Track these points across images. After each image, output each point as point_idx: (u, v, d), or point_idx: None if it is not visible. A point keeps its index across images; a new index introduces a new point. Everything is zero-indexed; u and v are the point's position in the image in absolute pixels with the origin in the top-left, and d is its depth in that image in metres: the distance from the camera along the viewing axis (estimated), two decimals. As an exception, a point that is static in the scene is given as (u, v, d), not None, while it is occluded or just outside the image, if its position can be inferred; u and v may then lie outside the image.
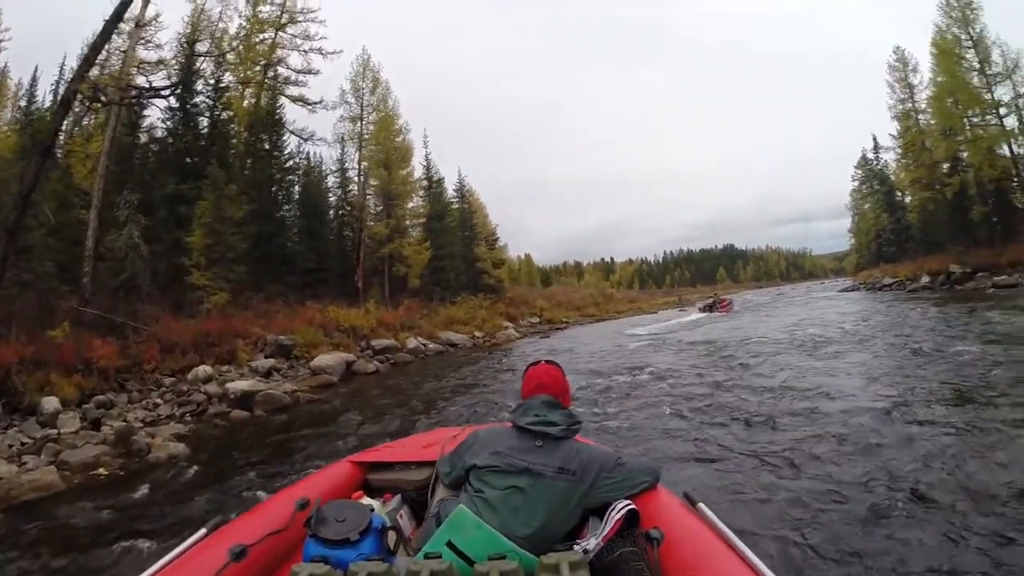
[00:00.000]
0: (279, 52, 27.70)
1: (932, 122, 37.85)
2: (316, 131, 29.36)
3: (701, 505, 2.14)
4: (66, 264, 16.39)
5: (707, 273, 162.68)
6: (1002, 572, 2.97)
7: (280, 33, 27.65)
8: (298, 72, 28.16)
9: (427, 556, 1.65)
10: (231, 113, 25.30)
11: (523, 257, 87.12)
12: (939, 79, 35.01)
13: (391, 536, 2.05)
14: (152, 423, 10.08)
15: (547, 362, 2.52)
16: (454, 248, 35.30)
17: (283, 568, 2.10)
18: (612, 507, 2.02)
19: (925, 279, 32.25)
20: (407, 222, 33.23)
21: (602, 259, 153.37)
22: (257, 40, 27.24)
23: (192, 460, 7.34)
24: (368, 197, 31.86)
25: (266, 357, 15.87)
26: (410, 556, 2.03)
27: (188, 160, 22.29)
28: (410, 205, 34.12)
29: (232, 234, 19.71)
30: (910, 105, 40.19)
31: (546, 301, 42.73)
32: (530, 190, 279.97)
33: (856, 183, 58.28)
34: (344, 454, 3.20)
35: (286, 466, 6.58)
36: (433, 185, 36.60)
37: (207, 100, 24.50)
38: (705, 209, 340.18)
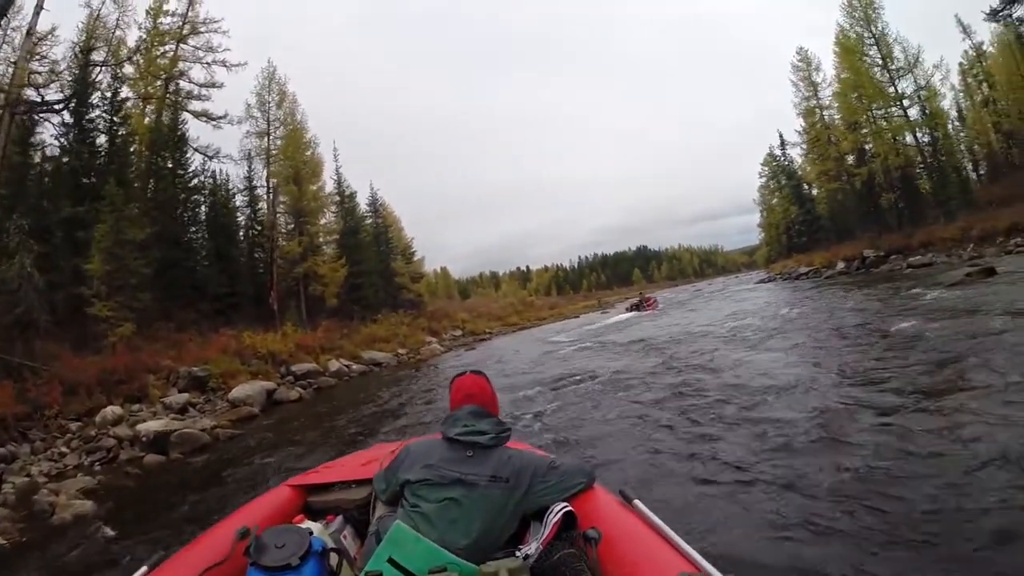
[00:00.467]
0: (181, 65, 26.75)
1: (837, 117, 40.18)
2: (222, 148, 28.63)
3: (637, 502, 2.20)
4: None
5: (623, 275, 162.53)
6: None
7: (182, 45, 26.66)
8: (201, 86, 27.55)
9: (368, 575, 1.69)
10: (130, 128, 24.11)
11: (439, 271, 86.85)
12: (843, 75, 37.55)
13: (333, 557, 2.05)
14: (58, 476, 9.29)
15: (473, 372, 2.57)
16: (371, 264, 34.70)
17: None
18: (550, 511, 2.07)
19: (841, 265, 33.20)
20: (320, 239, 32.35)
21: (517, 268, 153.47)
22: (158, 53, 26.16)
23: (102, 518, 6.62)
24: (279, 215, 30.89)
25: (180, 392, 15.09)
26: (357, 575, 1.99)
27: (84, 180, 20.97)
28: (323, 221, 33.30)
29: (135, 259, 18.57)
30: (814, 102, 42.34)
31: (467, 313, 42.49)
32: (441, 204, 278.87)
33: (764, 179, 61.33)
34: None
35: (208, 515, 5.92)
36: (345, 200, 35.82)
37: (104, 115, 23.16)
38: (614, 213, 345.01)
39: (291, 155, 30.17)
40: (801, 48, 42.63)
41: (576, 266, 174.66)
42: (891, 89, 35.46)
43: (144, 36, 25.67)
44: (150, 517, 6.51)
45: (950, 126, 37.94)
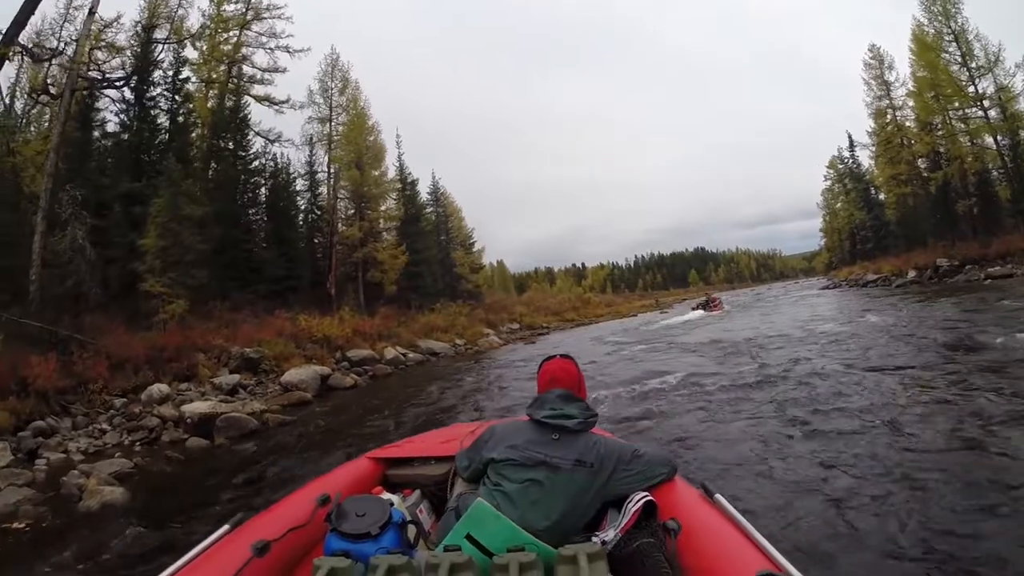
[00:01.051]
0: (244, 50, 26.35)
1: (911, 118, 38.67)
2: (283, 133, 28.14)
3: (718, 496, 2.14)
4: (12, 272, 14.88)
5: (679, 276, 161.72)
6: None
7: (245, 31, 26.25)
8: (264, 70, 27.06)
9: (446, 549, 1.68)
10: (191, 109, 23.72)
11: (496, 264, 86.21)
12: (919, 74, 35.55)
13: (411, 530, 2.07)
14: (95, 455, 8.61)
15: (561, 356, 2.52)
16: (430, 253, 34.14)
17: (305, 562, 2.13)
18: (630, 499, 2.06)
19: (912, 274, 31.78)
20: (381, 225, 31.63)
21: (572, 264, 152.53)
22: (221, 39, 25.82)
23: (129, 512, 5.76)
24: (339, 199, 30.32)
25: (231, 372, 14.40)
26: (430, 550, 2.05)
27: (144, 157, 20.63)
28: (383, 207, 32.49)
29: (191, 235, 17.96)
30: (886, 102, 40.88)
31: (525, 307, 41.36)
32: (496, 198, 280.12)
33: (828, 182, 60.87)
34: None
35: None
36: (407, 187, 35.05)
37: (165, 93, 22.81)
38: (671, 214, 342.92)
39: (353, 139, 29.56)
40: (873, 45, 41.31)
41: (632, 265, 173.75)
42: (970, 89, 33.29)
43: (208, 22, 25.27)
44: (182, 511, 5.62)
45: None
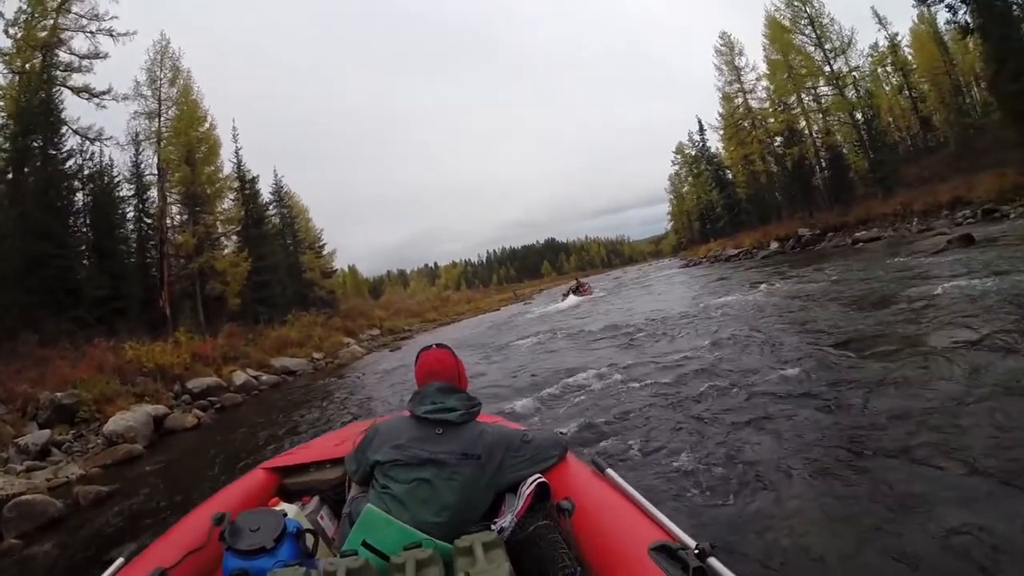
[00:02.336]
0: (61, 34, 22.53)
1: (764, 100, 42.05)
2: (105, 130, 24.68)
3: (610, 471, 2.20)
4: None
5: (532, 268, 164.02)
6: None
7: (63, 12, 22.48)
8: (83, 57, 23.40)
9: (343, 556, 1.72)
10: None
11: (348, 269, 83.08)
12: (773, 56, 38.15)
13: (309, 538, 2.10)
14: None
15: (437, 346, 2.52)
16: (276, 258, 31.21)
17: None
18: (523, 483, 2.10)
19: (775, 245, 32.81)
20: (219, 229, 28.27)
21: (425, 265, 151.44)
22: (38, 24, 21.98)
23: None
24: (169, 203, 26.74)
25: (40, 427, 11.62)
26: (335, 556, 2.02)
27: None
28: (220, 209, 29.05)
29: None
30: (737, 86, 43.78)
31: (383, 311, 39.21)
32: (344, 202, 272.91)
33: (676, 167, 67.49)
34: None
35: None
36: (246, 185, 31.45)
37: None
38: (520, 209, 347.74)
39: (183, 131, 26.17)
40: (724, 32, 43.81)
41: (484, 261, 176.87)
42: (826, 68, 36.27)
43: (24, 6, 21.59)
44: None
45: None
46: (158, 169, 26.38)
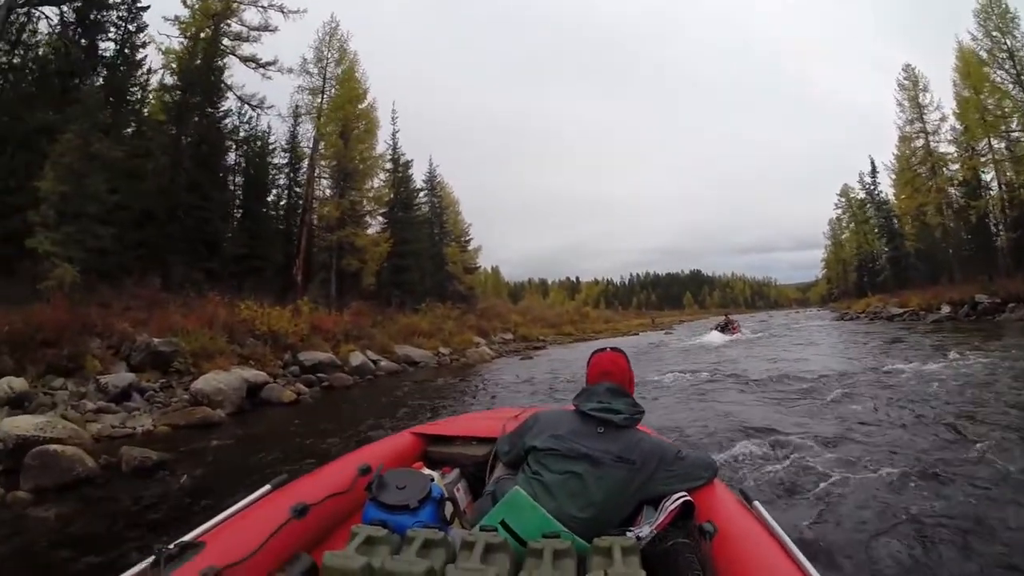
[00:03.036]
0: (233, 4, 22.49)
1: (947, 142, 36.71)
2: (267, 99, 24.31)
3: (756, 503, 2.16)
4: None
5: (673, 297, 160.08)
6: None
7: None
8: (253, 29, 22.95)
9: (482, 530, 1.70)
10: (145, 40, 19.73)
11: (491, 269, 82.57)
12: (964, 93, 32.67)
13: (448, 507, 2.19)
14: None
15: (612, 349, 2.50)
16: (420, 245, 30.06)
17: (342, 528, 2.14)
18: (667, 497, 2.03)
19: (946, 309, 28.33)
20: (365, 206, 27.29)
21: (567, 278, 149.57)
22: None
23: None
24: (320, 176, 26.20)
25: (130, 369, 10.55)
26: (465, 528, 2.18)
27: (75, 82, 16.49)
28: (370, 186, 28.11)
29: (101, 181, 13.77)
30: (919, 126, 38.45)
31: (520, 316, 37.58)
32: (495, 206, 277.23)
33: (839, 211, 61.87)
34: None
35: None
36: (399, 168, 30.46)
37: (118, 20, 18.77)
38: (667, 235, 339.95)
39: (341, 106, 25.48)
40: (908, 65, 39.00)
41: (626, 283, 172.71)
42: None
43: None
44: None
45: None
46: (313, 140, 25.91)
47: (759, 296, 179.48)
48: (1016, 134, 31.46)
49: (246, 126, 25.40)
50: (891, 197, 46.36)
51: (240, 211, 24.08)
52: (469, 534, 1.64)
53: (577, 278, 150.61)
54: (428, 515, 1.93)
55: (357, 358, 16.39)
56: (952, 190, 37.10)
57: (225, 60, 22.84)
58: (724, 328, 29.46)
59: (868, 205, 52.11)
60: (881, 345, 17.67)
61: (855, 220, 58.91)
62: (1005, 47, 30.34)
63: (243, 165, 24.96)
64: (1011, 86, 30.49)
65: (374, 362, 17.22)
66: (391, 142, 30.37)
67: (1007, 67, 30.46)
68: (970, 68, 31.92)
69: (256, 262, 21.74)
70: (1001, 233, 32.09)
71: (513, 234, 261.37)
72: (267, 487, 2.18)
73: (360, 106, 26.56)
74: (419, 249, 29.37)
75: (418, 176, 34.20)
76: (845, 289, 66.61)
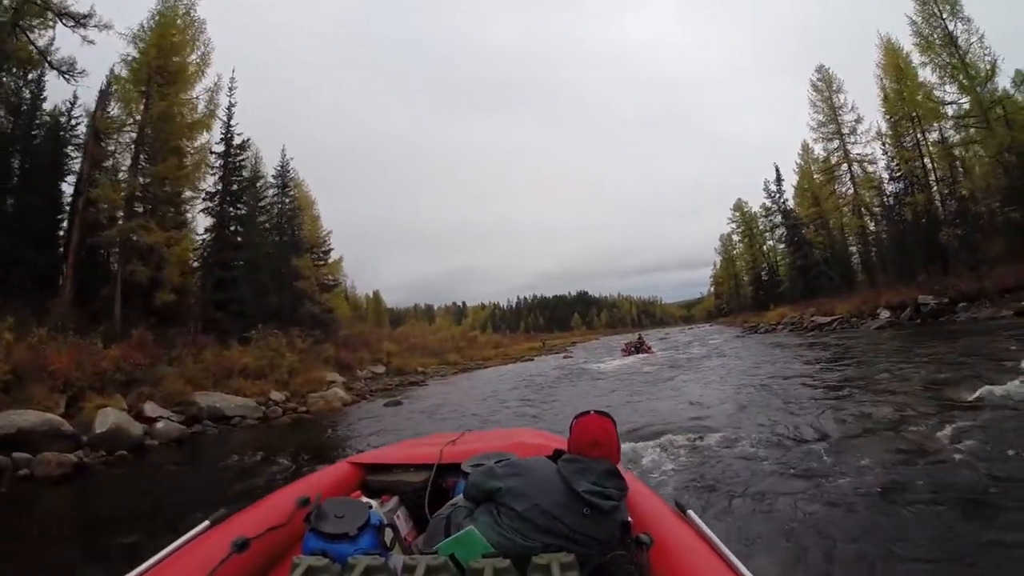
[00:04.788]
0: None
1: (864, 142, 36.79)
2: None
3: (691, 512, 2.24)
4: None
5: (561, 319, 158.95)
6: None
7: None
8: None
9: (431, 555, 1.76)
10: None
11: (371, 295, 75.65)
12: (891, 87, 32.01)
13: (388, 533, 2.14)
14: None
15: (598, 413, 2.26)
16: (259, 253, 23.31)
17: (283, 561, 2.15)
18: None
19: (886, 314, 25.95)
20: (167, 189, 19.46)
21: (453, 303, 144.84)
22: None
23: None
24: (111, 138, 19.10)
25: None
26: (405, 555, 2.15)
27: None
28: (180, 163, 19.91)
29: None
30: (832, 127, 38.24)
31: (395, 344, 31.12)
32: (379, 231, 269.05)
33: (732, 226, 62.83)
34: None
35: None
36: (232, 148, 22.99)
37: None
38: (553, 258, 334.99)
39: (156, 42, 18.67)
40: (821, 66, 38.72)
41: (513, 306, 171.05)
42: (963, 100, 28.40)
43: None
44: None
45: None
46: (99, 93, 19.00)
47: (645, 315, 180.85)
48: (949, 126, 30.15)
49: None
50: (796, 205, 46.39)
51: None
52: (410, 559, 1.68)
53: (464, 303, 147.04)
54: (368, 542, 1.95)
55: (107, 419, 10.01)
56: (865, 193, 37.21)
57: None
58: (637, 349, 27.86)
59: (773, 214, 50.80)
60: (831, 363, 14.17)
61: (749, 234, 59.80)
62: (946, 33, 27.93)
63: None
64: (944, 77, 28.64)
65: (150, 421, 11.02)
66: (226, 116, 23.03)
67: (945, 55, 28.19)
68: (899, 61, 30.91)
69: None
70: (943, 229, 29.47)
71: (400, 260, 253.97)
72: (206, 523, 2.16)
73: (176, 58, 19.47)
74: (256, 258, 22.55)
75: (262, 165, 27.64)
76: (740, 303, 67.17)
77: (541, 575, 1.63)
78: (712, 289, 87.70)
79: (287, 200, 27.57)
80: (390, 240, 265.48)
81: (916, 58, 29.73)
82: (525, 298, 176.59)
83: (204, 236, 21.19)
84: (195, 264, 20.56)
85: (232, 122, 22.72)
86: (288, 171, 28.16)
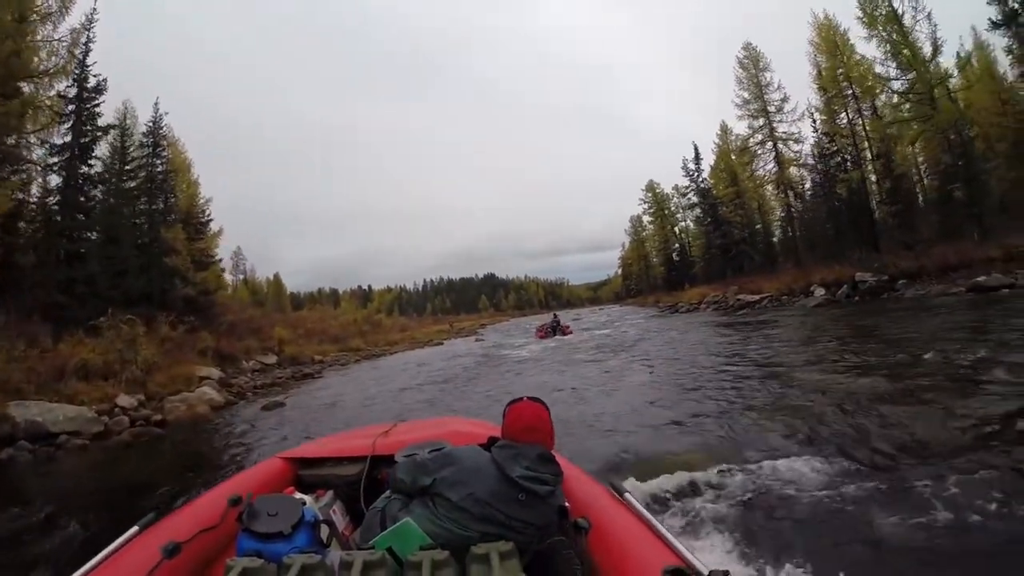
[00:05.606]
0: None
1: (795, 120, 36.36)
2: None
3: (627, 495, 2.28)
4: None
5: (468, 302, 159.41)
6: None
7: None
8: None
9: (367, 550, 1.72)
10: None
11: (271, 278, 70.60)
12: (824, 63, 31.86)
13: (323, 529, 2.13)
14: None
15: (531, 399, 2.27)
16: (119, 221, 19.60)
17: (217, 564, 2.11)
18: None
19: (820, 292, 25.37)
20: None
21: (359, 286, 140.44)
22: None
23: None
24: None
25: None
26: (342, 550, 2.05)
27: None
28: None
29: None
30: (757, 105, 37.71)
31: (290, 330, 27.65)
32: (279, 214, 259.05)
33: (644, 206, 62.42)
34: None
35: None
36: (86, 91, 18.80)
37: None
38: (459, 241, 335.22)
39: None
40: (748, 43, 38.13)
41: (420, 289, 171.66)
42: (906, 76, 27.63)
43: None
44: None
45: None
46: None
47: (552, 296, 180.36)
48: (886, 103, 30.07)
49: None
50: (713, 186, 46.48)
51: None
52: (347, 554, 1.63)
53: (370, 286, 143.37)
54: (303, 540, 1.89)
55: None
56: (789, 171, 37.04)
57: None
58: (553, 330, 26.42)
59: (691, 192, 50.72)
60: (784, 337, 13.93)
61: (661, 214, 60.03)
62: (891, 9, 27.28)
63: None
64: (882, 50, 28.09)
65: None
66: (81, 54, 18.81)
67: (888, 31, 27.46)
68: (835, 37, 30.83)
69: None
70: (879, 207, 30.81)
71: (304, 244, 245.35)
72: (134, 528, 2.09)
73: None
74: (116, 226, 18.68)
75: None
76: (651, 284, 68.07)
77: (480, 565, 1.61)
78: (620, 271, 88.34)
79: (158, 162, 23.46)
80: (293, 223, 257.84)
81: (857, 33, 29.13)
82: (432, 280, 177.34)
83: (49, 200, 17.24)
84: (29, 233, 16.68)
85: (86, 62, 18.75)
86: (161, 127, 23.72)
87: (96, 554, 1.86)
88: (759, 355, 11.18)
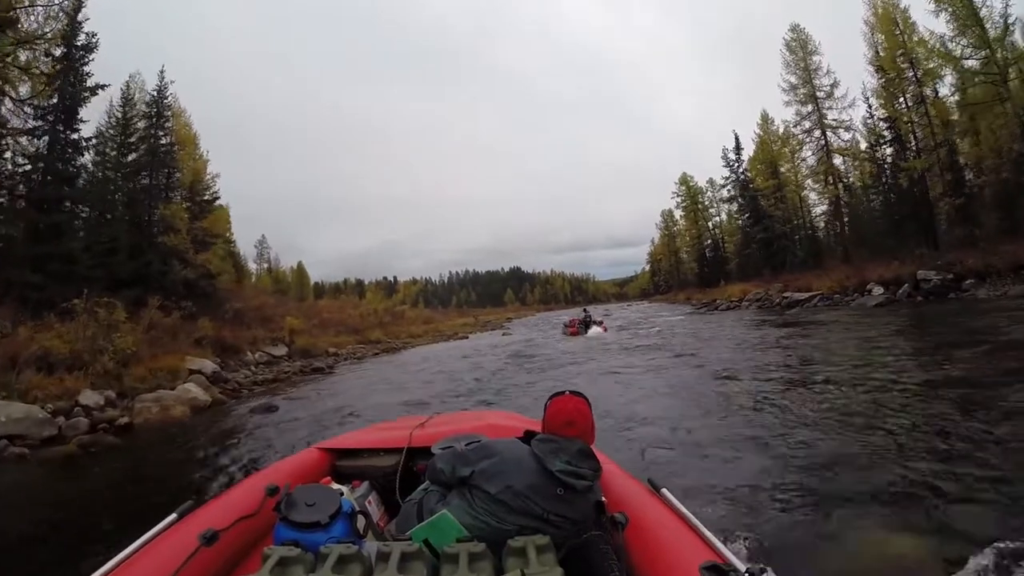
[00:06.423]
0: None
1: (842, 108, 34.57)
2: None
3: (665, 491, 2.20)
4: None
5: (494, 295, 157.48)
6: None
7: None
8: None
9: (405, 540, 1.72)
10: None
11: (295, 267, 69.37)
12: (883, 46, 29.39)
13: (360, 520, 2.12)
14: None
15: (573, 394, 2.19)
16: (103, 192, 17.82)
17: (254, 552, 2.09)
18: None
19: (879, 291, 23.25)
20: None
21: (384, 278, 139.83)
22: None
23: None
24: None
25: None
26: (379, 540, 2.10)
27: None
28: None
29: None
30: (805, 90, 35.78)
31: (302, 319, 25.36)
32: (307, 204, 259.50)
33: (677, 199, 60.47)
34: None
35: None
36: (75, 49, 16.84)
37: None
38: (486, 234, 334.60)
39: None
40: (796, 25, 36.22)
41: (445, 281, 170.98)
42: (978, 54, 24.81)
43: None
44: None
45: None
46: None
47: (578, 291, 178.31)
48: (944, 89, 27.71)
49: None
50: (753, 178, 44.01)
51: None
52: (384, 545, 1.61)
53: (395, 278, 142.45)
54: (340, 530, 1.87)
55: None
56: (842, 161, 35.67)
57: None
58: (587, 325, 24.24)
59: (728, 185, 49.03)
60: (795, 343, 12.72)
61: (694, 208, 58.72)
62: None
63: None
64: (954, 27, 25.07)
65: None
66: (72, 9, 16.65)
67: (957, 6, 24.53)
68: (896, 15, 28.46)
69: None
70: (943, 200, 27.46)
71: (332, 234, 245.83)
72: (173, 516, 2.04)
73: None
74: (106, 200, 16.73)
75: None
76: (681, 280, 66.52)
77: (516, 558, 1.59)
78: (648, 266, 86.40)
79: (161, 134, 21.51)
80: (320, 213, 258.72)
81: (921, 6, 26.28)
82: (457, 273, 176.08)
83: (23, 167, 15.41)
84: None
85: (78, 24, 16.83)
86: (165, 97, 21.73)
87: (134, 541, 1.77)
88: (853, 364, 8.93)
